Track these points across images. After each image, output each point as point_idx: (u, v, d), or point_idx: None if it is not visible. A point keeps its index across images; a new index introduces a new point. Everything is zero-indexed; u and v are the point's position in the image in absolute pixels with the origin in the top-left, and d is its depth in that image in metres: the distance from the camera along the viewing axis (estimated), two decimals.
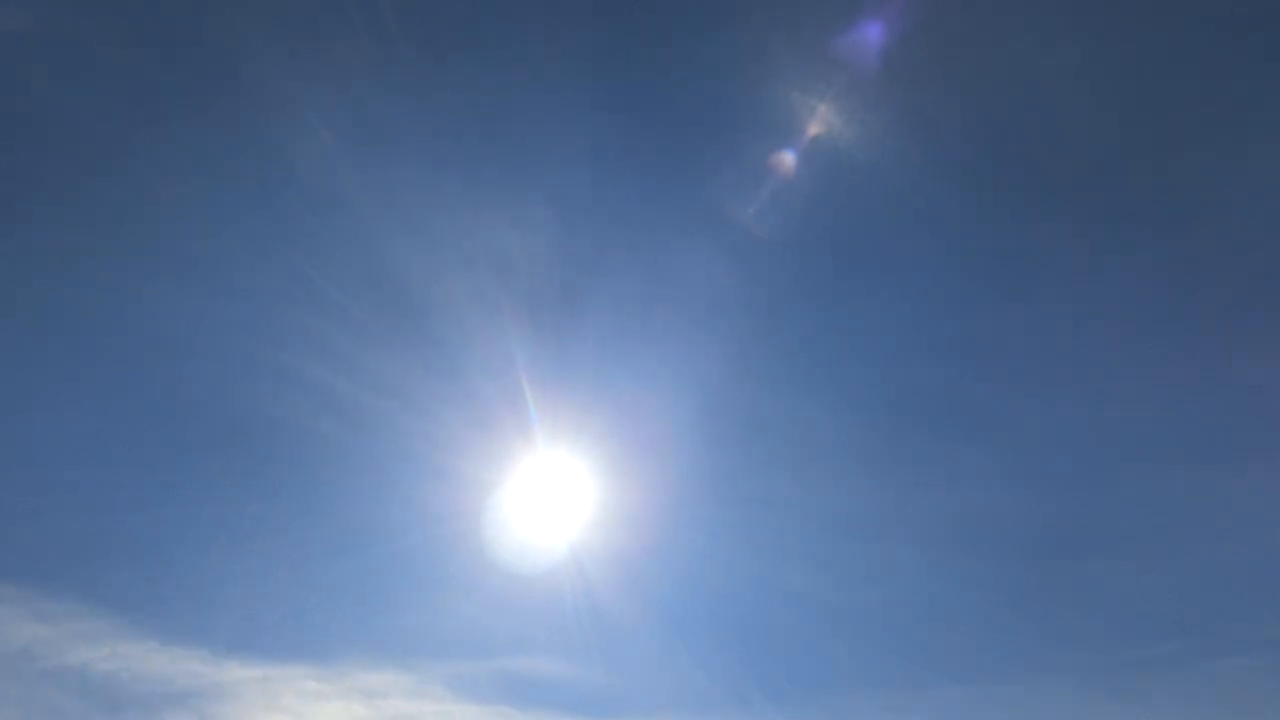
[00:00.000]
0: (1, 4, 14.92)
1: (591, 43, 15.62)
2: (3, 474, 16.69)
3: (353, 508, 17.61)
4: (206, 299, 16.56)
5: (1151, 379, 17.28)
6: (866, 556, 17.55)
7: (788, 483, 17.59)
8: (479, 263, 16.43)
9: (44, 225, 15.96)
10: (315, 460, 17.45)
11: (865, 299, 17.38)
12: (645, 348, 16.72)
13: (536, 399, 16.05)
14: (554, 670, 17.49)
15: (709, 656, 17.40)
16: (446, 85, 15.71)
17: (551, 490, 16.94)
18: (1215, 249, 16.57)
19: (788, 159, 15.46)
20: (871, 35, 15.17)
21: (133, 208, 16.13)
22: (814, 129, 15.30)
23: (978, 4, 15.56)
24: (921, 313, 17.40)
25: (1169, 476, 17.41)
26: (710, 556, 17.49)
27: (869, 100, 15.35)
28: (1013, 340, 17.49)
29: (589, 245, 16.54)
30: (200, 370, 16.91)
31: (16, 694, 15.74)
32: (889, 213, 16.65)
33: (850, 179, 15.92)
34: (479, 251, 16.42)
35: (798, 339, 17.46)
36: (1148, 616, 17.53)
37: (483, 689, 17.33)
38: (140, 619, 17.19)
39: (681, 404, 16.96)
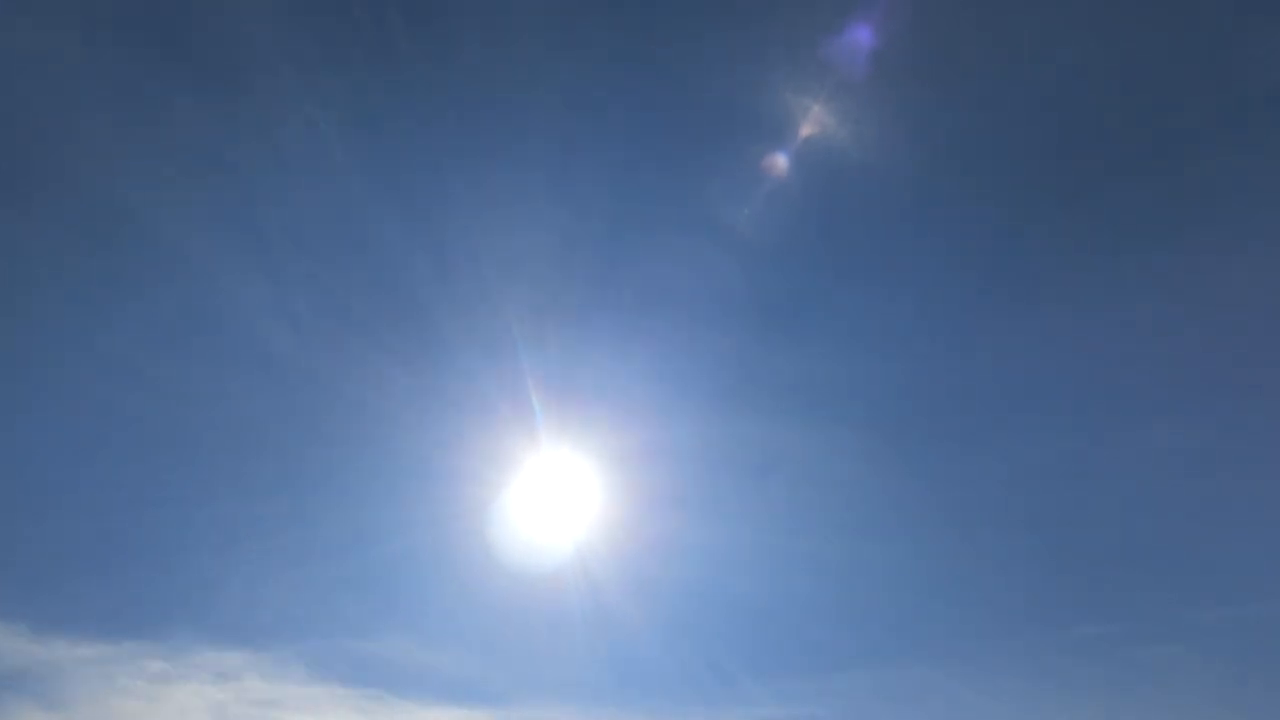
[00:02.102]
0: None
1: (593, 46, 15.68)
2: None
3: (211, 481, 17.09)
4: (207, 297, 16.63)
5: (1111, 368, 17.76)
6: (866, 549, 18.10)
7: (786, 480, 17.93)
8: (483, 263, 16.47)
9: (44, 222, 15.81)
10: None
11: (866, 298, 17.71)
12: (649, 348, 16.88)
13: (541, 398, 16.00)
14: (428, 655, 17.19)
15: (703, 650, 17.75)
16: (448, 86, 15.72)
17: (552, 488, 16.77)
18: (1214, 248, 16.57)
19: (789, 160, 15.53)
20: (870, 37, 14.78)
21: (133, 206, 15.97)
22: (816, 129, 15.27)
23: (972, 5, 15.29)
24: (918, 310, 17.78)
25: (1102, 464, 17.96)
26: (707, 553, 17.73)
27: (869, 101, 15.29)
28: (991, 338, 17.90)
29: (594, 246, 16.72)
30: (191, 366, 16.76)
31: None
32: (889, 212, 16.85)
33: (852, 178, 16.05)
34: (483, 251, 16.45)
35: (799, 337, 17.86)
36: (1075, 600, 17.78)
37: (347, 671, 16.72)
38: None
39: (683, 403, 17.21)
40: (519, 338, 15.94)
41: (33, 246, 15.67)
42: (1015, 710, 16.82)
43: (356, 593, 17.05)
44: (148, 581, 16.23)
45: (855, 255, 17.19)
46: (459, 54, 15.37)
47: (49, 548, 16.05)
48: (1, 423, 16.20)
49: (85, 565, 16.14)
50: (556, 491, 16.73)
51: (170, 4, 14.79)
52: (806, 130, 15.00)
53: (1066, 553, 17.86)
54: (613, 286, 16.66)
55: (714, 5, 15.16)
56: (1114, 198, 16.22)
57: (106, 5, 14.79)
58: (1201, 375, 17.10)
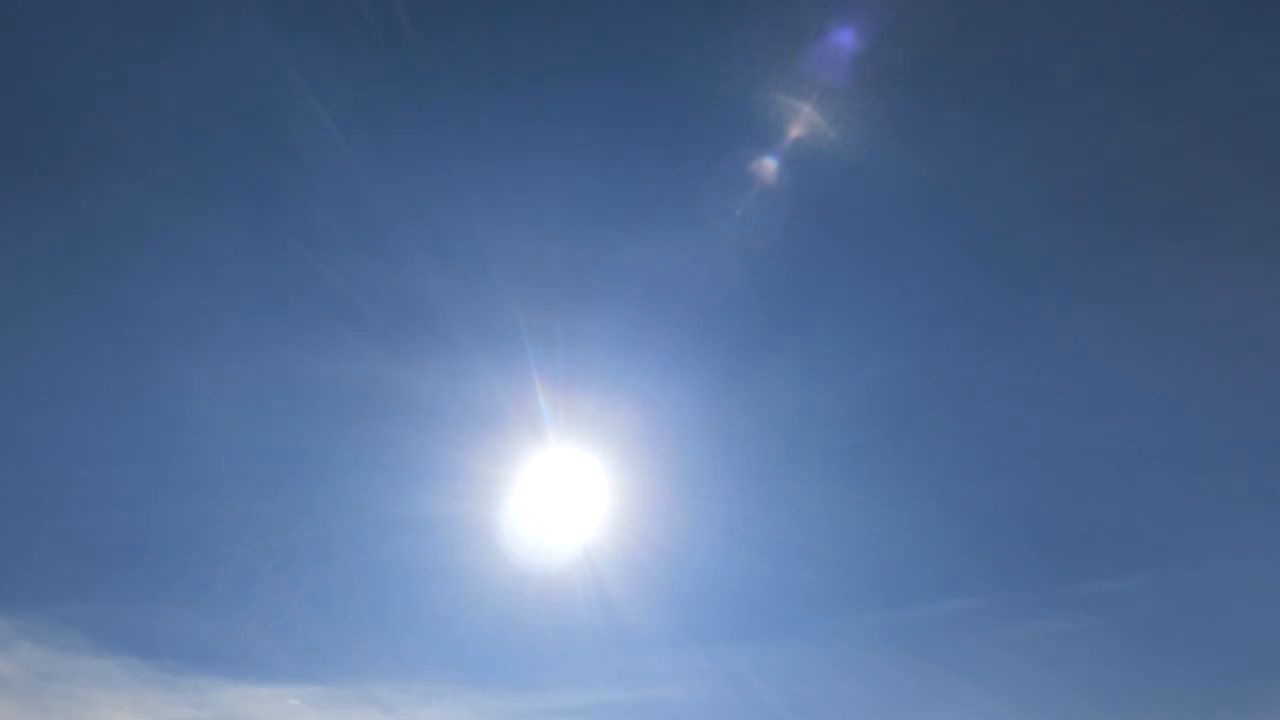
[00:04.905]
0: None
1: (602, 48, 16.08)
2: None
3: None
4: (209, 296, 16.63)
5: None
6: (871, 544, 17.65)
7: (792, 480, 17.73)
8: (488, 261, 16.60)
9: (44, 220, 15.95)
10: None
11: (868, 297, 17.68)
12: (656, 346, 16.98)
13: (548, 397, 16.16)
14: (236, 628, 16.27)
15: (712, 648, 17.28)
16: (452, 88, 16.01)
17: (559, 488, 16.81)
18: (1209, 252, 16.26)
19: (799, 160, 15.83)
20: (872, 37, 15.15)
21: (134, 203, 16.05)
22: (823, 129, 15.54)
23: (968, 6, 15.52)
24: (920, 309, 17.63)
25: (979, 424, 17.45)
26: (716, 552, 17.52)
27: (876, 101, 15.55)
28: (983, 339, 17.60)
29: (600, 243, 16.85)
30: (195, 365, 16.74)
31: None
32: (891, 212, 16.98)
33: (856, 178, 16.24)
34: (487, 250, 16.59)
35: (805, 336, 17.74)
36: (948, 572, 17.25)
37: (140, 643, 15.74)
38: None
39: (689, 402, 17.22)
40: (525, 335, 16.16)
41: (34, 245, 15.85)
42: (885, 687, 16.42)
43: (133, 560, 16.43)
44: None
45: (859, 255, 17.34)
46: (463, 57, 15.87)
47: None
48: None
49: None
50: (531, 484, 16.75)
51: (174, 4, 15.21)
52: (812, 130, 15.41)
53: (939, 522, 17.42)
54: (619, 285, 16.82)
55: (720, 8, 15.64)
56: (1110, 199, 16.26)
57: (108, 3, 15.16)
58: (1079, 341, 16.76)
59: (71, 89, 15.47)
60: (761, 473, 17.43)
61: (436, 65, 15.85)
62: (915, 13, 15.14)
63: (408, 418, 16.77)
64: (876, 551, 17.39)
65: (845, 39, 15.19)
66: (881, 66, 15.27)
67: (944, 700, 16.26)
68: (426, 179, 16.51)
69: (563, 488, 16.62)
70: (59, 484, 16.27)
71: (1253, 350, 16.05)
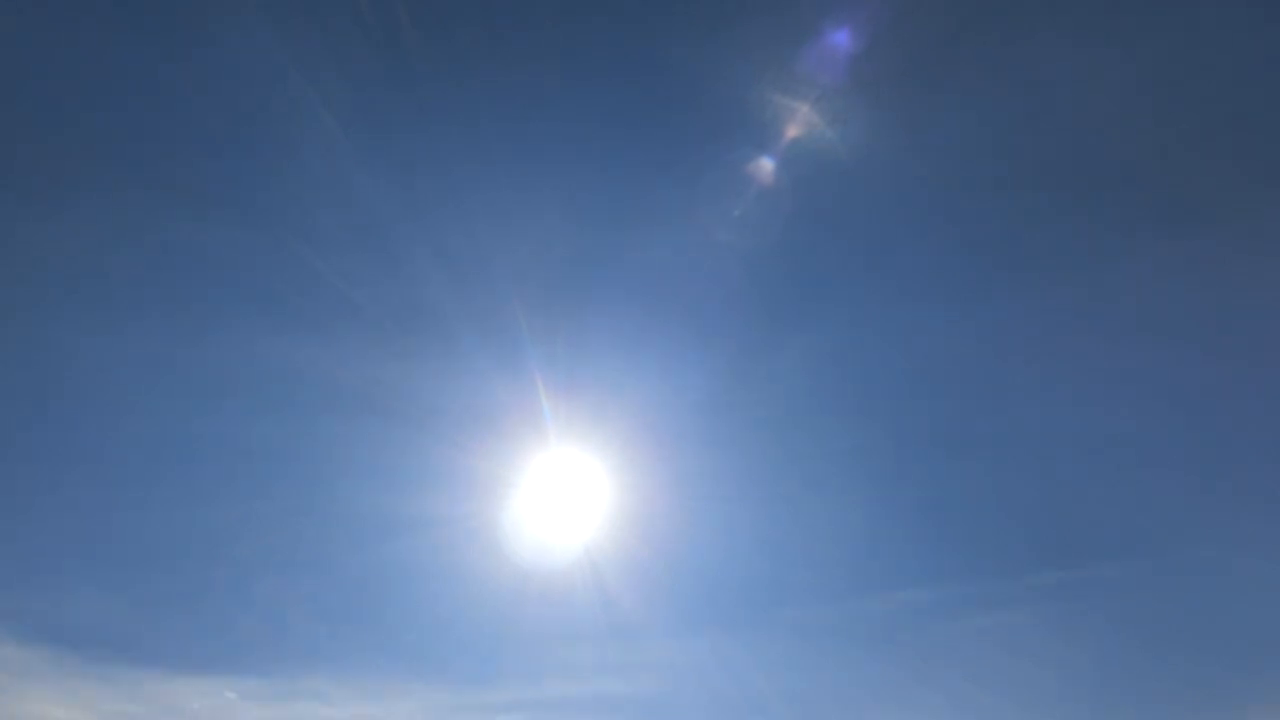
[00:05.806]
0: None
1: (604, 50, 16.18)
2: None
3: None
4: (209, 295, 16.70)
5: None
6: (863, 538, 17.63)
7: (795, 481, 17.67)
8: (489, 262, 16.59)
9: (44, 220, 15.92)
10: None
11: (870, 297, 17.69)
12: (656, 346, 16.94)
13: (550, 398, 16.08)
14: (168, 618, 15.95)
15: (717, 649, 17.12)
16: (454, 90, 16.10)
17: (561, 489, 16.69)
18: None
19: (790, 158, 15.80)
20: (875, 36, 15.17)
21: (134, 202, 16.01)
22: (821, 130, 15.55)
23: (972, 5, 15.53)
24: (925, 310, 17.56)
25: (927, 416, 17.39)
26: (719, 553, 17.45)
27: (875, 101, 15.58)
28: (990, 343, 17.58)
29: (600, 243, 16.86)
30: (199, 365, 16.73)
31: None
32: (890, 212, 17.01)
33: (857, 179, 16.23)
34: (486, 249, 16.59)
35: (809, 338, 17.73)
36: (901, 564, 17.15)
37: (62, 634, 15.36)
38: None
39: (691, 403, 17.22)
40: (525, 335, 16.14)
41: (34, 245, 15.82)
42: (837, 680, 16.42)
43: (60, 551, 16.15)
44: None
45: (859, 255, 17.43)
46: (462, 57, 15.91)
47: None
48: None
49: None
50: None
51: (175, 4, 15.29)
52: (811, 130, 15.38)
53: (892, 515, 17.43)
54: (619, 285, 16.86)
55: (720, 8, 15.75)
56: (1110, 198, 16.28)
57: (109, 5, 15.23)
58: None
59: (72, 89, 15.47)
60: (754, 471, 17.48)
61: (436, 65, 15.92)
62: (915, 13, 15.17)
63: (407, 417, 16.67)
64: (869, 546, 17.46)
65: (843, 39, 15.17)
66: (881, 66, 15.27)
67: (930, 690, 16.27)
68: (426, 179, 16.55)
69: (557, 485, 16.59)
70: None
71: (1236, 342, 16.19)
